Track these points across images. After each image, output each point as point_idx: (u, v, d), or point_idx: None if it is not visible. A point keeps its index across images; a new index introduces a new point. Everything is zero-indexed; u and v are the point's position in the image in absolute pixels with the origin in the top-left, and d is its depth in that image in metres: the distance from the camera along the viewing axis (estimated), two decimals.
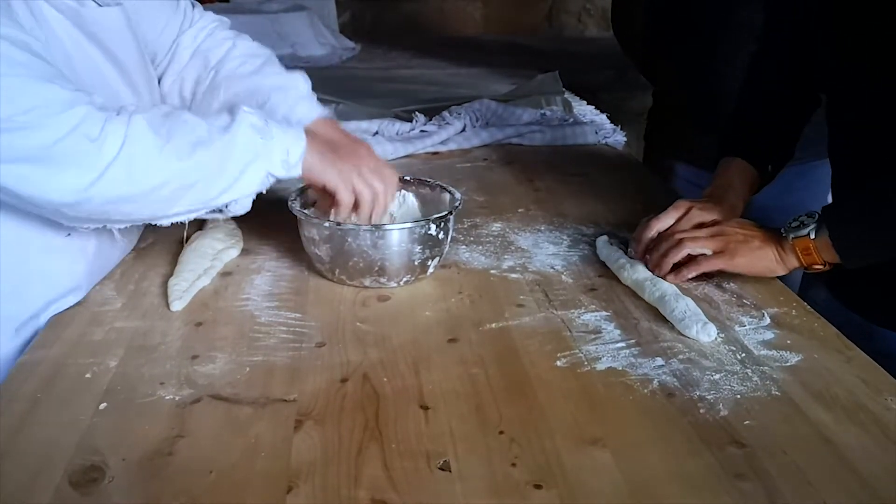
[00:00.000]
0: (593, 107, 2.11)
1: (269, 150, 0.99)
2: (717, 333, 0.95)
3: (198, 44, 1.24)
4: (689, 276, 1.07)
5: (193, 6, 1.27)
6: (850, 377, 0.88)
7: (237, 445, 0.76)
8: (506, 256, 1.18)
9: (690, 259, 1.08)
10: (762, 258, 1.05)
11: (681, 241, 1.08)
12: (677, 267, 1.08)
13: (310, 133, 1.05)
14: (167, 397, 0.83)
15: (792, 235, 1.03)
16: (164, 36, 1.21)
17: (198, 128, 0.95)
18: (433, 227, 1.07)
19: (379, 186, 1.07)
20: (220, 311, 1.01)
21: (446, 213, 1.09)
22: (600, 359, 0.91)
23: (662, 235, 1.12)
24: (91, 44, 1.00)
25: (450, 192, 1.17)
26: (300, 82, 1.24)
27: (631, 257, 1.13)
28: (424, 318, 1.01)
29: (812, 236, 1.02)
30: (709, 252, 1.06)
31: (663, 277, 1.07)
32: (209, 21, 1.27)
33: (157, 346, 0.93)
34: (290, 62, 2.72)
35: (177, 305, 1.01)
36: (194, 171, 0.94)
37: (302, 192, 1.15)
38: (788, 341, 0.95)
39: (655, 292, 1.03)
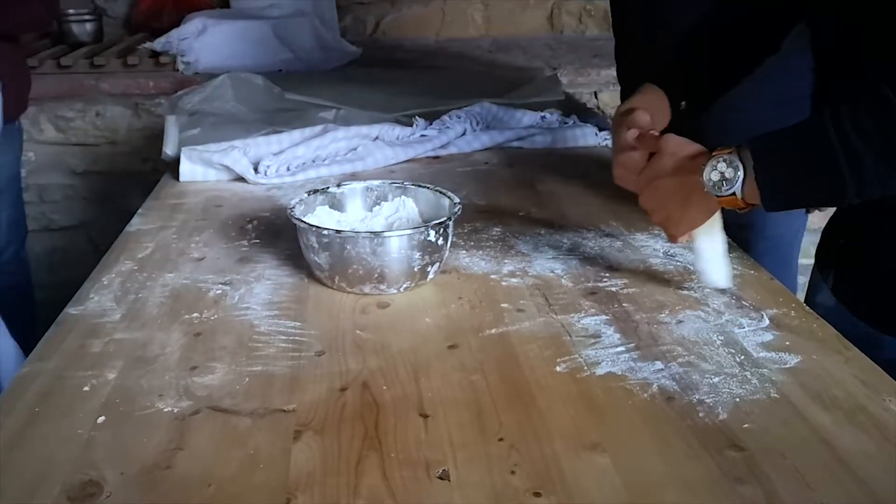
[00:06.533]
0: (595, 107, 2.11)
1: None
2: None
3: None
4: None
5: None
6: (849, 378, 0.87)
7: (235, 457, 0.75)
8: (506, 261, 1.18)
9: None
10: (698, 213, 1.02)
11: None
12: None
13: None
14: (166, 410, 0.83)
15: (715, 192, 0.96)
16: None
17: None
18: (432, 233, 1.07)
19: None
20: (219, 320, 1.01)
21: (445, 219, 1.09)
22: (600, 363, 0.91)
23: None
24: None
25: (449, 197, 1.16)
26: None
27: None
28: (424, 325, 1.01)
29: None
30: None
31: None
32: None
33: (157, 357, 0.93)
34: (292, 67, 2.72)
35: None
36: None
37: (301, 199, 1.15)
38: (787, 343, 0.95)
39: None
